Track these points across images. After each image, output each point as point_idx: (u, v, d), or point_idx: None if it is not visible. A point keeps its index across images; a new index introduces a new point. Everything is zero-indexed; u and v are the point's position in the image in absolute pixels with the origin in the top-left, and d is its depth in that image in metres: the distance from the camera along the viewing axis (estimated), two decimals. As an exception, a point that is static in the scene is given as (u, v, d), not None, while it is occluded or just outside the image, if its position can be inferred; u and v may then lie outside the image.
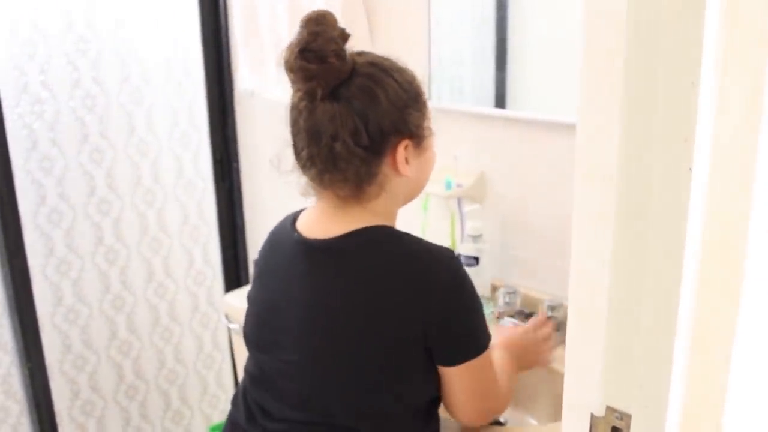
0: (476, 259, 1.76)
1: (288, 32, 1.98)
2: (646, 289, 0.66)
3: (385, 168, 1.16)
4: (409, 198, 1.26)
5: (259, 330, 1.25)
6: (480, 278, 1.77)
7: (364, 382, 1.14)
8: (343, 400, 1.15)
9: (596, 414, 0.73)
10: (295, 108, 1.16)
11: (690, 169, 0.60)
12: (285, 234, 1.24)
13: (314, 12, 1.11)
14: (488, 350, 1.18)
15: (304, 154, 1.15)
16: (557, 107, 1.66)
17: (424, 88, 1.23)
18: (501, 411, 1.30)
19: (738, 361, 0.68)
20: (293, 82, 1.13)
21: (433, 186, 1.84)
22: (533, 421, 1.56)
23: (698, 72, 0.58)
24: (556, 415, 1.50)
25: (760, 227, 0.65)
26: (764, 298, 0.70)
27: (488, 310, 1.74)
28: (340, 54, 1.10)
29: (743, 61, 0.60)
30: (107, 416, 2.38)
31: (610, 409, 0.72)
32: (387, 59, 1.20)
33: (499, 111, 1.78)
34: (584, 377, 0.74)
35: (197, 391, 2.59)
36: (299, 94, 1.14)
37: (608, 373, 0.71)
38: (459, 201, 1.84)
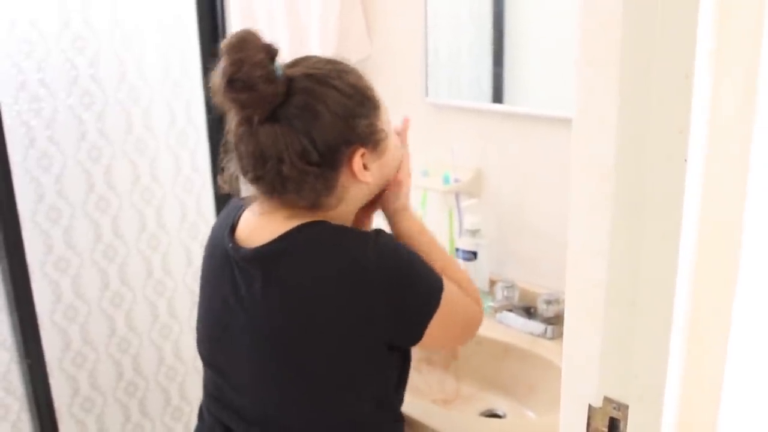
0: (474, 254, 1.76)
1: (285, 30, 1.98)
2: (642, 281, 0.67)
3: (343, 179, 1.12)
4: (371, 197, 1.22)
5: (210, 348, 1.22)
6: (478, 273, 1.78)
7: (319, 393, 1.12)
8: (301, 414, 1.13)
9: (594, 405, 0.74)
10: (233, 133, 1.10)
11: (685, 160, 0.60)
12: (220, 239, 1.19)
13: (234, 36, 1.04)
14: (444, 290, 1.13)
15: (250, 176, 1.11)
16: (554, 102, 1.66)
17: (373, 87, 1.15)
18: (480, 305, 1.25)
19: (734, 352, 0.69)
20: (227, 109, 1.08)
21: (432, 181, 1.84)
22: (531, 414, 1.57)
23: (692, 64, 0.59)
24: (555, 408, 1.51)
25: (756, 218, 0.65)
26: (760, 289, 0.70)
27: (486, 305, 1.75)
28: (270, 77, 1.04)
29: (737, 53, 0.61)
30: (107, 413, 2.38)
31: (607, 400, 0.72)
32: (328, 63, 1.13)
33: (496, 106, 1.79)
34: (582, 369, 0.74)
35: (197, 388, 2.59)
36: (236, 119, 1.09)
37: (605, 364, 0.72)
38: (457, 196, 1.85)
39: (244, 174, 1.12)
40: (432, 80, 1.90)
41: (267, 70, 1.04)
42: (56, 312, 2.19)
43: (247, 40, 1.03)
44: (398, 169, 1.23)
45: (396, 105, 2.00)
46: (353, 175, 1.12)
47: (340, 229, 1.12)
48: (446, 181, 1.81)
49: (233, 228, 1.18)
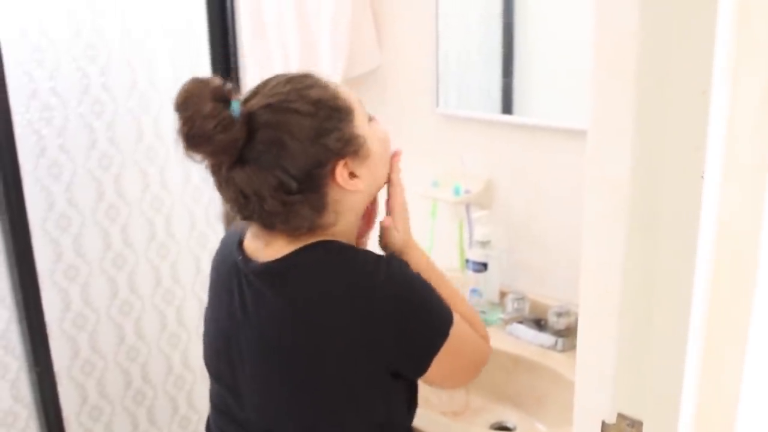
0: (485, 265, 1.76)
1: (295, 33, 1.98)
2: (657, 296, 0.66)
3: (332, 194, 1.09)
4: (371, 198, 1.18)
5: (216, 361, 1.21)
6: (488, 284, 1.77)
7: (323, 411, 1.10)
8: (306, 431, 1.12)
9: (607, 421, 0.73)
10: (211, 176, 1.10)
11: (702, 176, 0.60)
12: (229, 252, 1.18)
13: (180, 92, 1.02)
14: (454, 324, 1.10)
15: (240, 216, 1.11)
16: (564, 113, 1.66)
17: (340, 95, 1.10)
18: (488, 342, 1.22)
19: (751, 369, 0.68)
20: (198, 161, 1.06)
21: (442, 192, 1.84)
22: (541, 427, 1.56)
23: (709, 81, 0.58)
24: (566, 421, 1.50)
25: (772, 234, 0.65)
26: (776, 305, 0.70)
27: (496, 316, 1.75)
28: (225, 125, 1.01)
29: (754, 69, 0.60)
30: (115, 421, 2.38)
31: (621, 416, 0.72)
32: (287, 83, 1.08)
33: (506, 117, 1.79)
34: (595, 384, 0.74)
35: (205, 397, 2.57)
36: (209, 168, 1.08)
37: (619, 380, 0.71)
38: (467, 207, 1.85)
39: (234, 214, 1.12)
40: (442, 91, 1.90)
41: (219, 119, 1.01)
42: (65, 320, 2.20)
43: (194, 94, 1.01)
44: (391, 207, 1.20)
45: (406, 116, 2.01)
46: (341, 188, 1.09)
47: (351, 249, 1.11)
48: (457, 192, 1.81)
49: (242, 241, 1.17)
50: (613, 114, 0.65)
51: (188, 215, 2.42)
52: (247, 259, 1.13)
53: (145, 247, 2.34)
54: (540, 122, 1.71)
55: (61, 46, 2.05)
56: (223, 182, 1.08)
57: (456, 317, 1.12)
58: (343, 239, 1.13)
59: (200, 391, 2.57)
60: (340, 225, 1.13)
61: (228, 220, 1.19)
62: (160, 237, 2.37)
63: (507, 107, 1.81)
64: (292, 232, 1.10)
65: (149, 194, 2.31)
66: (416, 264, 1.19)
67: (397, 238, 1.20)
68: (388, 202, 1.21)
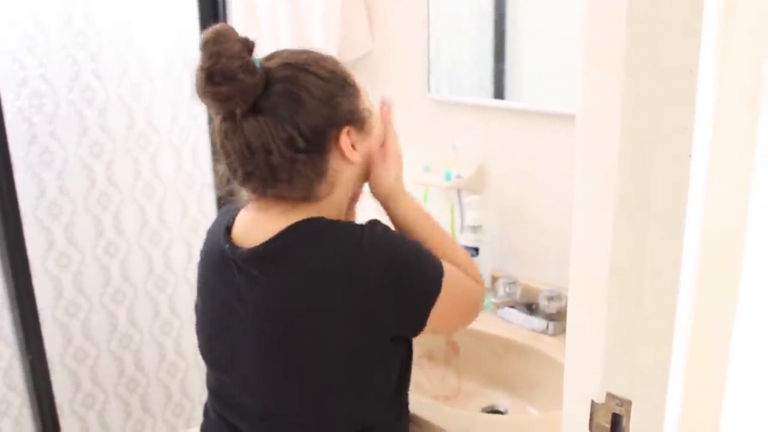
0: (476, 250, 1.76)
1: (287, 16, 1.98)
2: (646, 277, 0.67)
3: (333, 162, 1.11)
4: (360, 185, 1.21)
5: (212, 348, 1.22)
6: (480, 269, 1.77)
7: (322, 391, 1.11)
8: (304, 412, 1.13)
9: (596, 401, 0.74)
10: (218, 131, 1.11)
11: (690, 156, 0.60)
12: (216, 241, 1.18)
13: (210, 31, 1.04)
14: (445, 275, 1.12)
15: (240, 173, 1.10)
16: (556, 98, 1.66)
17: (351, 73, 1.16)
18: (481, 283, 1.24)
19: (738, 348, 0.69)
20: (209, 107, 1.08)
21: (433, 177, 1.84)
22: (533, 410, 1.57)
23: (697, 60, 0.58)
24: (557, 404, 1.51)
25: (760, 215, 0.65)
26: (764, 286, 0.70)
27: (488, 301, 1.75)
28: (249, 68, 1.04)
29: (742, 49, 0.60)
30: (108, 409, 2.39)
31: (610, 396, 0.72)
32: (303, 53, 1.13)
33: (498, 102, 1.78)
34: (585, 365, 0.74)
35: (198, 384, 2.60)
36: (219, 116, 1.09)
37: (608, 361, 0.72)
38: (459, 192, 1.85)
39: (233, 173, 1.12)
40: (434, 76, 1.90)
41: (245, 61, 1.04)
42: (57, 308, 2.20)
43: (223, 34, 1.03)
44: (382, 144, 1.22)
45: (398, 101, 1.99)
46: (343, 156, 1.11)
47: (335, 224, 1.12)
48: (448, 177, 1.81)
49: (229, 229, 1.18)
50: (601, 94, 0.65)
51: (180, 202, 2.41)
52: (234, 246, 1.14)
53: (138, 234, 2.34)
54: (532, 107, 1.71)
55: (51, 33, 2.04)
56: (231, 133, 1.08)
57: (446, 267, 1.13)
58: (331, 215, 1.14)
59: (193, 379, 2.58)
60: (331, 199, 1.14)
61: (221, 185, 1.18)
62: (152, 224, 2.36)
63: (499, 92, 1.81)
64: (288, 196, 1.11)
65: (141, 181, 2.30)
66: (405, 213, 1.22)
67: (389, 181, 1.22)
68: (382, 146, 1.22)
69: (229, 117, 1.08)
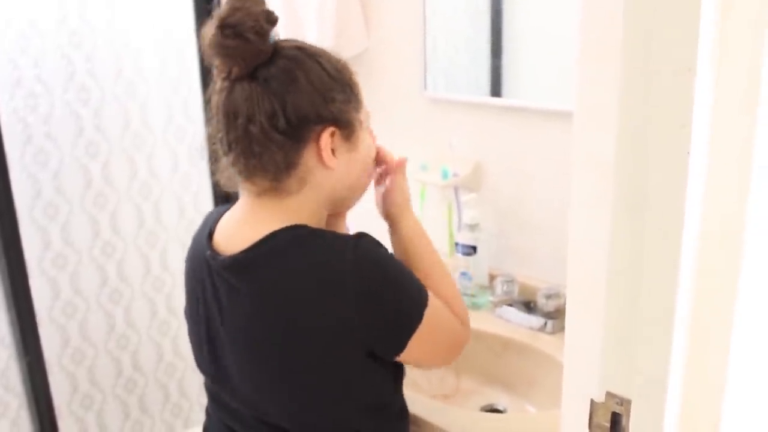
0: (474, 248, 1.76)
1: (282, 14, 1.96)
2: (644, 275, 0.66)
3: (308, 158, 1.08)
4: (338, 198, 1.16)
5: (202, 357, 1.21)
6: (478, 267, 1.77)
7: (310, 399, 1.09)
8: (295, 418, 1.12)
9: (596, 400, 0.73)
10: (215, 92, 1.11)
11: (688, 153, 0.60)
12: (200, 248, 1.17)
13: None
14: (429, 306, 1.10)
15: (220, 137, 1.10)
16: (553, 95, 1.66)
17: (360, 84, 1.14)
18: (465, 324, 1.21)
19: (737, 346, 0.69)
20: (214, 64, 1.08)
21: (430, 175, 1.84)
22: (532, 409, 1.56)
23: (695, 57, 0.58)
24: (556, 403, 1.51)
25: (759, 213, 0.65)
26: (762, 284, 0.70)
27: (486, 299, 1.75)
28: (260, 31, 1.03)
29: (740, 45, 0.60)
30: (106, 409, 2.38)
31: (609, 395, 0.72)
32: (320, 48, 1.12)
33: (494, 100, 1.78)
34: (584, 363, 0.74)
35: (196, 384, 2.59)
36: (220, 76, 1.09)
37: (607, 359, 0.71)
38: (456, 190, 1.84)
39: (220, 143, 1.12)
40: (430, 74, 1.89)
41: (260, 24, 1.03)
42: (54, 309, 2.19)
43: None
44: (396, 167, 1.24)
45: (394, 99, 2.00)
46: (319, 156, 1.08)
47: (318, 233, 1.09)
48: (445, 175, 1.81)
49: (211, 235, 1.17)
50: (598, 91, 0.65)
51: (177, 202, 2.41)
52: (215, 253, 1.12)
53: (134, 234, 2.33)
54: (529, 105, 1.70)
55: (46, 33, 2.03)
56: (221, 92, 1.08)
57: (431, 299, 1.11)
58: (312, 222, 1.12)
59: (191, 379, 2.57)
60: (302, 200, 1.11)
61: (209, 147, 1.18)
62: (148, 224, 2.36)
63: (495, 90, 1.80)
64: (260, 177, 1.09)
65: (137, 182, 2.30)
66: (413, 229, 1.22)
67: (404, 193, 1.24)
68: (392, 163, 1.25)
69: (225, 76, 1.08)
